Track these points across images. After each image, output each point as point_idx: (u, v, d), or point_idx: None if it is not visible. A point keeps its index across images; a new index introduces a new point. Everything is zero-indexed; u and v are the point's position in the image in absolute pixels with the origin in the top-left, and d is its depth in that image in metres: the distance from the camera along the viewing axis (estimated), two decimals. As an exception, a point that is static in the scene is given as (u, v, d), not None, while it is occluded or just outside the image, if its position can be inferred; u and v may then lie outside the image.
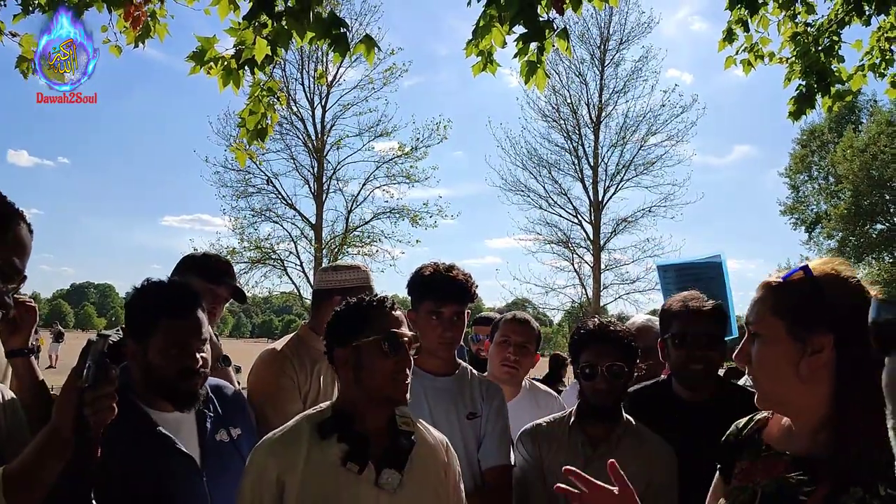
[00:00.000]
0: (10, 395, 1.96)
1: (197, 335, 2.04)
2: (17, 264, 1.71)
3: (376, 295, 2.00)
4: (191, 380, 1.99)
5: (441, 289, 2.52)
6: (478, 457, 2.50)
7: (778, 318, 1.50)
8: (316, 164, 21.92)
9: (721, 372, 3.67)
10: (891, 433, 0.60)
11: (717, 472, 1.76)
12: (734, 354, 1.63)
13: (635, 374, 2.54)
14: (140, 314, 2.03)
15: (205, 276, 2.78)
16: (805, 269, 1.51)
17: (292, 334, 3.06)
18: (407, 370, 1.91)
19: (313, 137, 21.77)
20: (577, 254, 22.75)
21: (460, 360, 2.70)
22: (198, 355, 2.02)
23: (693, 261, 4.00)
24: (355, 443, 1.85)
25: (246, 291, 3.08)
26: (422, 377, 2.51)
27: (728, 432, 1.77)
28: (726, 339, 2.72)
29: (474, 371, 2.69)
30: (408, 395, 1.93)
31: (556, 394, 3.44)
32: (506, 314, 3.33)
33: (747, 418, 1.76)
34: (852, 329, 1.40)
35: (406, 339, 1.93)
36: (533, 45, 3.80)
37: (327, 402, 2.00)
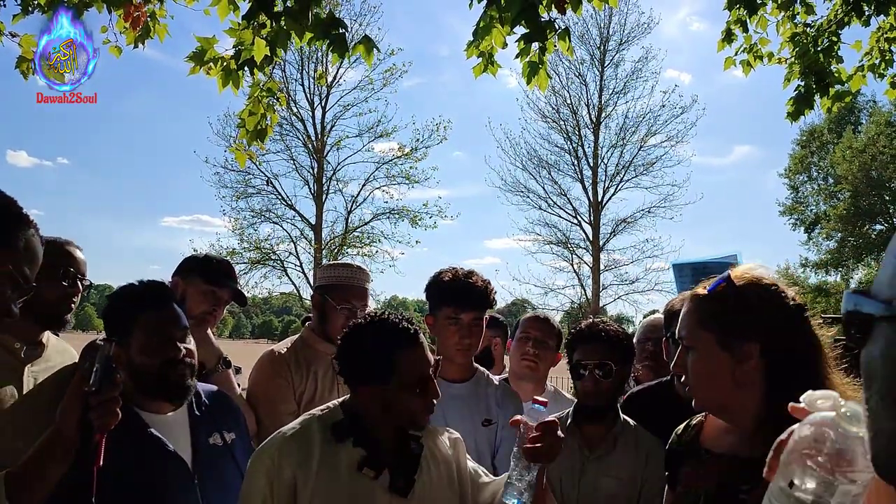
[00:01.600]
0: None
1: (176, 325, 2.02)
2: (28, 274, 1.70)
3: (402, 323, 1.88)
4: (176, 369, 1.98)
5: (460, 295, 2.51)
6: (493, 464, 2.47)
7: (707, 331, 1.56)
8: (316, 165, 21.92)
9: None
10: (866, 413, 0.64)
11: (667, 484, 1.79)
12: (672, 364, 1.70)
13: (632, 374, 2.55)
14: (117, 316, 2.02)
15: (206, 277, 2.78)
16: (728, 279, 1.56)
17: (296, 336, 3.07)
18: (434, 401, 1.89)
19: (313, 138, 21.77)
20: (576, 254, 22.79)
21: (478, 365, 2.67)
22: (180, 345, 2.00)
23: (709, 260, 3.99)
24: (371, 448, 1.83)
25: (246, 292, 3.08)
26: (437, 383, 2.49)
27: (669, 441, 1.80)
28: None
29: (492, 376, 2.67)
30: (427, 422, 1.93)
31: None
32: (528, 313, 3.39)
33: (684, 424, 1.79)
34: (777, 334, 1.50)
35: (433, 370, 1.89)
36: (535, 46, 3.80)
37: (335, 402, 1.97)
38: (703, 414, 1.73)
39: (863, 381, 0.64)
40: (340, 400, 1.97)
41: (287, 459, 1.79)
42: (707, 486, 1.58)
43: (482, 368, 2.68)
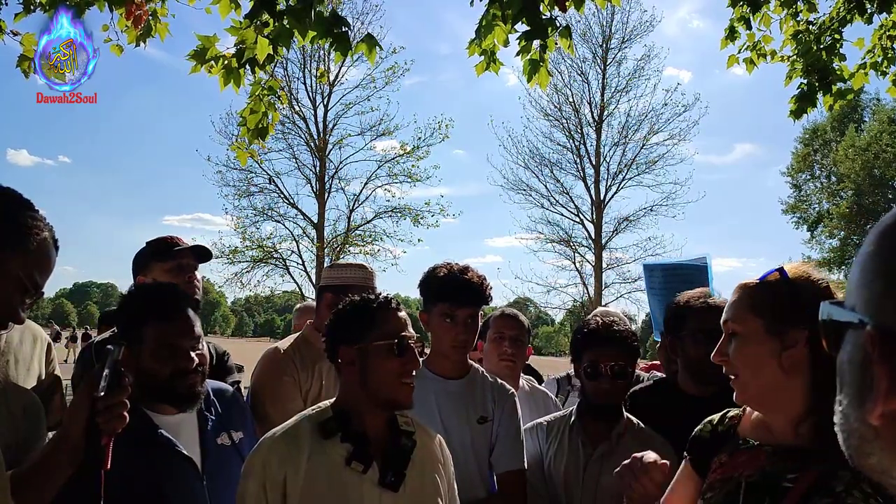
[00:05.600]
0: (34, 398, 1.94)
1: (188, 335, 2.00)
2: (38, 279, 1.68)
3: (381, 294, 1.96)
4: (186, 380, 1.96)
5: (456, 291, 2.46)
6: (490, 461, 2.46)
7: (756, 316, 1.59)
8: (318, 164, 21.94)
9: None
10: (840, 415, 0.67)
11: (687, 461, 1.78)
12: (713, 354, 1.69)
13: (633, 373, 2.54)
14: (129, 321, 2.00)
15: (162, 257, 2.76)
16: (781, 270, 1.61)
17: (297, 333, 3.06)
18: (413, 373, 1.89)
19: (315, 136, 21.79)
20: (578, 253, 22.81)
21: (472, 362, 2.64)
22: (192, 354, 1.98)
23: (680, 262, 4.01)
24: (359, 442, 1.83)
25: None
26: (432, 380, 2.47)
27: (700, 428, 1.80)
28: None
29: (486, 373, 2.64)
30: (412, 400, 1.91)
31: (550, 393, 3.46)
32: (494, 312, 3.34)
33: (720, 415, 1.80)
34: None
35: (413, 341, 1.90)
36: (535, 43, 3.79)
37: (327, 402, 1.97)
38: (742, 409, 1.73)
39: (837, 384, 0.67)
40: (331, 400, 1.97)
41: (276, 459, 1.79)
42: (749, 474, 1.58)
43: (476, 365, 2.65)
